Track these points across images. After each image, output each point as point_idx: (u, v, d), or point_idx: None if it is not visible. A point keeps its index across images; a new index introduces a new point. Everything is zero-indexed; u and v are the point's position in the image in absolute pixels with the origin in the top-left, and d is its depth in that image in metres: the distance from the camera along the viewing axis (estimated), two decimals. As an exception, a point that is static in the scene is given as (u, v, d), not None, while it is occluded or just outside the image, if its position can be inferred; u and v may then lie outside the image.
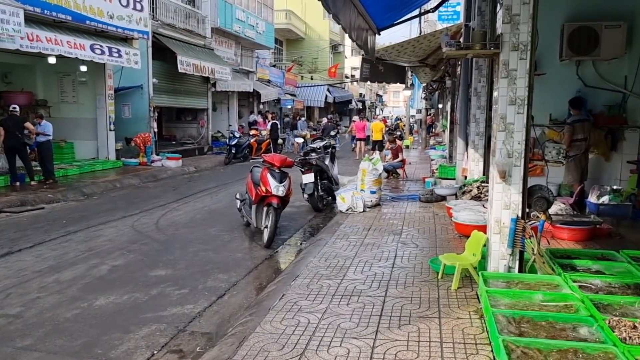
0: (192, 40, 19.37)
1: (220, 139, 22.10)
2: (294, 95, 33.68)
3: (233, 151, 18.10)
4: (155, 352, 3.89)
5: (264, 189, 6.94)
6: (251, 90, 24.70)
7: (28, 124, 11.04)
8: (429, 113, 29.85)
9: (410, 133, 33.65)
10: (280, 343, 3.60)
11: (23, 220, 8.38)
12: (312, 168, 9.29)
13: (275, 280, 5.33)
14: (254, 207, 7.29)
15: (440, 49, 11.45)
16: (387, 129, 20.98)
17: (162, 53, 17.61)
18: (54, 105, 15.30)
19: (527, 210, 4.57)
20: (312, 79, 36.44)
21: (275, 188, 6.88)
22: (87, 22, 12.72)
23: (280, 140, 21.75)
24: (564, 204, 7.19)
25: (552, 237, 6.32)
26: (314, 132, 23.42)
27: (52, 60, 13.01)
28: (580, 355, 2.96)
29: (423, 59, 11.63)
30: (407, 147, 23.17)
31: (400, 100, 75.60)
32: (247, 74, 25.73)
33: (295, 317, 4.08)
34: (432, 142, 23.57)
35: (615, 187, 7.48)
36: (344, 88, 43.79)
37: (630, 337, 3.10)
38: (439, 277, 5.01)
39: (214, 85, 21.49)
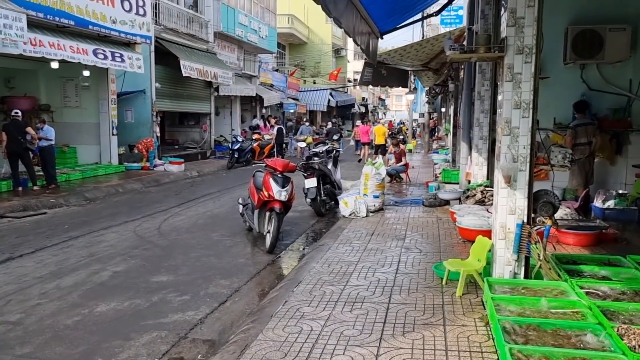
0: (194, 44, 19.39)
1: (222, 143, 22.09)
2: (297, 100, 33.69)
3: (236, 155, 18.08)
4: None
5: (266, 193, 6.90)
6: (254, 95, 24.72)
7: (29, 129, 11.03)
8: (431, 117, 29.78)
9: (413, 137, 33.60)
10: (283, 351, 3.55)
11: (25, 226, 8.36)
12: (314, 172, 9.24)
13: (277, 286, 5.28)
14: (256, 212, 7.24)
15: (443, 52, 11.43)
16: (390, 132, 20.94)
17: (165, 58, 17.62)
18: (57, 110, 15.31)
19: (532, 215, 4.51)
20: (314, 83, 36.46)
21: (278, 193, 6.84)
22: (90, 27, 12.73)
23: (283, 145, 21.72)
24: (569, 208, 7.13)
25: (557, 242, 6.25)
26: (317, 137, 23.37)
27: (54, 65, 13.02)
28: (589, 365, 2.91)
29: (426, 63, 11.59)
30: (410, 151, 23.11)
31: (402, 104, 75.58)
32: (250, 78, 25.74)
33: (298, 324, 4.02)
34: (435, 146, 23.50)
35: (620, 192, 7.42)
36: (346, 92, 43.80)
37: (639, 346, 3.04)
38: (443, 283, 4.95)
39: (216, 89, 21.50)
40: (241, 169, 17.56)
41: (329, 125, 25.75)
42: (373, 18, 7.53)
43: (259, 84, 26.68)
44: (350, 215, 8.54)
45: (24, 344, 4.05)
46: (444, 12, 21.25)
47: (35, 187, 11.27)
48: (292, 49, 38.08)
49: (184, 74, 17.17)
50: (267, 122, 24.17)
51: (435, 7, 10.79)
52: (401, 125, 41.03)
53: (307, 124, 25.95)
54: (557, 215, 5.92)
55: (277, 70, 32.15)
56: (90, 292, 5.22)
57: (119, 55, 13.64)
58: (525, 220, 4.42)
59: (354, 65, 53.09)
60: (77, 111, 15.44)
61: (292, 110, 32.37)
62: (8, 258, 6.40)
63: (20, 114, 11.23)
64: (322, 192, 9.36)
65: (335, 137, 19.60)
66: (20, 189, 11.08)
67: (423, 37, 19.21)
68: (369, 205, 8.81)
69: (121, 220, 8.76)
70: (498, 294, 4.11)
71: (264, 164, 7.65)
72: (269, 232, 6.86)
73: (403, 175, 13.47)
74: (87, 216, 9.20)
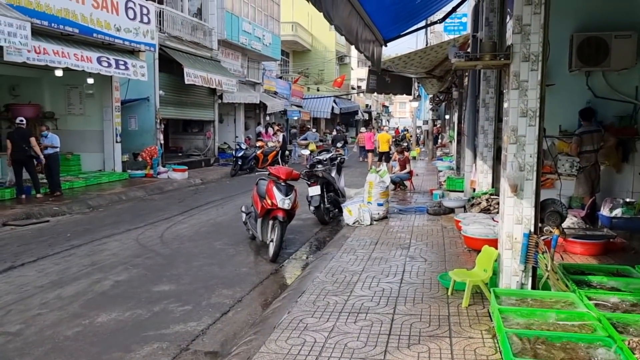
0: (198, 52, 19.43)
1: (226, 150, 22.09)
2: (300, 107, 33.70)
3: (239, 163, 18.06)
4: (156, 372, 3.79)
5: (269, 202, 6.85)
6: (257, 102, 24.73)
7: (33, 140, 11.01)
8: (435, 124, 29.74)
9: (417, 144, 33.55)
10: (286, 364, 3.48)
11: (27, 234, 8.32)
12: (318, 180, 9.19)
13: (280, 296, 5.21)
14: (259, 220, 7.19)
15: (447, 60, 11.39)
16: (394, 140, 20.88)
17: (169, 65, 17.65)
18: (61, 117, 15.33)
19: (539, 225, 4.44)
20: (318, 90, 36.48)
21: (281, 201, 6.79)
22: (94, 34, 12.76)
23: (287, 152, 21.71)
24: (576, 217, 7.04)
25: (564, 251, 6.16)
26: (321, 144, 23.34)
27: (59, 73, 13.06)
28: (600, 380, 2.83)
29: (430, 70, 11.56)
30: (414, 158, 23.05)
31: (406, 111, 75.58)
32: (254, 85, 25.77)
33: (301, 335, 3.95)
34: (438, 153, 23.43)
35: (628, 200, 7.32)
36: (350, 99, 43.82)
37: (652, 360, 2.96)
38: (449, 293, 4.87)
39: (220, 97, 21.52)
40: (245, 176, 17.52)
41: (334, 132, 25.73)
42: (377, 25, 7.50)
43: (263, 92, 26.71)
44: (354, 223, 8.47)
45: (23, 355, 3.99)
46: (447, 20, 21.29)
47: (38, 195, 11.26)
48: (295, 56, 38.16)
49: (187, 82, 17.19)
50: (268, 130, 24.15)
51: (439, 15, 10.76)
52: (405, 133, 40.99)
53: (314, 130, 25.83)
54: (563, 224, 5.85)
55: (280, 77, 32.19)
56: (92, 302, 5.16)
57: (123, 63, 13.66)
58: (532, 229, 4.35)
59: (358, 73, 53.16)
60: (81, 119, 15.47)
61: (295, 118, 32.38)
62: (10, 267, 6.36)
63: (24, 121, 11.25)
64: (325, 200, 9.30)
65: (339, 145, 19.55)
66: (23, 196, 11.08)
67: (427, 45, 19.21)
68: (373, 213, 8.75)
69: (124, 229, 8.72)
70: (505, 305, 4.04)
71: (267, 172, 7.60)
72: (272, 240, 6.80)
73: (407, 182, 13.41)
74: (90, 224, 9.16)
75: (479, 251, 6.35)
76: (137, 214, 10.25)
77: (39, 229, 8.74)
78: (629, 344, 3.14)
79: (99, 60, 12.79)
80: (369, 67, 10.05)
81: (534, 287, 4.42)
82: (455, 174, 13.67)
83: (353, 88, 46.45)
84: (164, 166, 16.36)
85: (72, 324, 4.57)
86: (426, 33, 21.43)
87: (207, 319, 4.75)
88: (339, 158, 10.74)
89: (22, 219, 9.27)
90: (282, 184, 7.04)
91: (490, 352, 3.62)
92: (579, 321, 3.68)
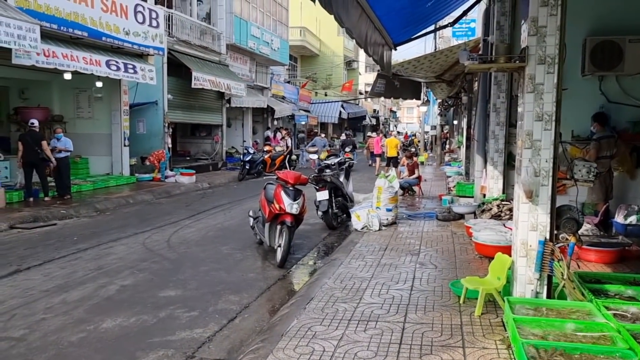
0: (207, 56, 19.44)
1: (234, 154, 22.06)
2: (308, 112, 33.67)
3: (247, 167, 18.01)
4: (162, 380, 3.70)
5: (277, 206, 6.76)
6: (265, 107, 24.71)
7: (44, 144, 11.01)
8: (443, 129, 29.59)
9: (425, 149, 33.39)
10: (294, 373, 3.38)
11: (34, 237, 8.29)
12: (326, 185, 9.10)
13: (288, 302, 5.12)
14: (267, 225, 7.10)
15: (457, 64, 11.29)
16: (403, 145, 20.77)
17: (178, 69, 17.67)
18: (70, 120, 15.35)
19: (555, 232, 4.32)
20: (326, 95, 36.44)
21: (289, 206, 6.70)
22: (103, 38, 12.77)
23: (293, 157, 21.63)
24: (589, 223, 6.90)
25: (577, 259, 6.02)
26: (329, 149, 23.25)
27: (67, 76, 13.08)
28: (622, 395, 2.71)
29: (440, 75, 11.45)
30: (422, 163, 22.90)
31: (414, 117, 75.45)
32: (262, 90, 25.77)
33: (309, 344, 3.85)
34: (447, 158, 23.27)
35: (643, 207, 7.17)
36: (357, 104, 43.76)
37: (676, 375, 2.83)
38: (461, 301, 4.75)
39: (228, 101, 21.51)
40: (252, 180, 17.47)
41: (343, 136, 25.63)
42: (387, 29, 7.42)
43: (271, 96, 26.70)
44: (362, 228, 8.37)
45: (26, 361, 3.92)
46: (456, 25, 21.18)
47: (46, 198, 11.25)
48: (303, 61, 38.16)
49: (194, 86, 17.18)
50: (277, 134, 24.12)
51: (447, 20, 10.69)
52: (413, 138, 40.86)
53: (322, 135, 25.63)
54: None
55: (288, 82, 32.19)
56: (97, 307, 5.09)
57: (131, 66, 13.67)
58: (548, 237, 4.23)
59: (366, 78, 53.17)
60: (90, 122, 15.48)
61: (303, 122, 32.34)
62: (15, 270, 6.31)
63: (37, 124, 11.25)
64: (334, 205, 9.21)
65: (348, 149, 19.44)
66: (31, 199, 11.07)
67: (435, 49, 19.11)
68: (382, 218, 8.64)
69: (131, 232, 8.66)
70: (519, 315, 3.92)
71: (275, 176, 7.52)
72: (279, 245, 6.71)
73: (416, 188, 13.28)
74: (97, 228, 9.12)
75: (490, 258, 6.24)
76: (144, 217, 10.20)
77: (46, 232, 8.71)
78: (651, 356, 3.02)
79: (107, 64, 12.80)
80: (379, 71, 9.96)
81: (549, 296, 4.30)
82: (465, 179, 13.53)
83: (361, 93, 46.40)
84: (171, 170, 16.34)
85: (76, 330, 4.50)
86: (435, 38, 21.35)
87: (214, 326, 4.67)
88: (347, 162, 10.65)
89: (29, 222, 9.24)
90: (291, 188, 6.96)
91: (505, 364, 3.51)
92: (598, 332, 3.56)
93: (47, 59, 11.03)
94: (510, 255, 5.02)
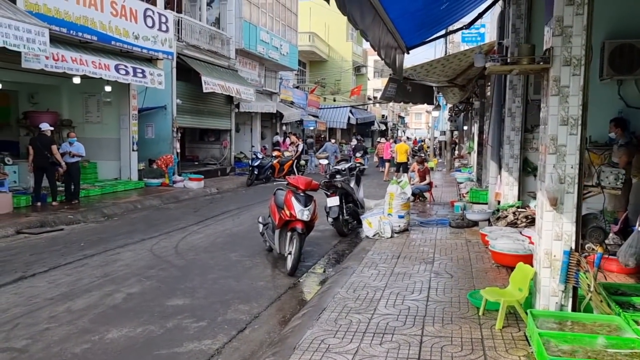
0: (216, 61, 19.37)
1: (242, 159, 21.94)
2: (317, 117, 33.55)
3: (255, 172, 17.87)
4: (168, 395, 3.53)
5: (288, 213, 6.59)
6: (274, 112, 24.61)
7: (54, 148, 10.95)
8: (453, 135, 29.36)
9: (435, 155, 33.14)
10: (307, 390, 3.20)
11: (41, 242, 8.17)
12: (337, 191, 8.93)
13: (300, 313, 4.94)
14: (277, 231, 6.93)
15: (470, 68, 11.11)
16: (413, 150, 20.59)
17: (187, 74, 17.60)
18: (79, 125, 15.28)
19: (580, 241, 4.12)
20: (334, 100, 36.32)
21: (300, 212, 6.53)
22: (113, 42, 12.71)
23: (302, 162, 21.49)
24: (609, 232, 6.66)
25: (598, 269, 5.79)
26: (338, 155, 23.10)
27: (76, 80, 13.02)
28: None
29: (452, 79, 11.27)
30: (432, 169, 22.67)
31: (422, 122, 75.15)
32: (271, 95, 25.68)
33: (323, 358, 3.67)
34: (457, 164, 23.03)
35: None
36: (366, 110, 43.59)
37: None
38: (480, 313, 4.55)
39: (237, 106, 21.43)
40: (261, 186, 17.33)
41: (354, 141, 25.48)
42: (400, 32, 7.27)
43: (280, 101, 26.60)
44: (374, 235, 8.17)
45: (28, 373, 3.77)
46: (465, 31, 20.97)
47: (54, 203, 11.17)
48: (312, 66, 38.09)
49: (205, 90, 17.10)
50: (286, 139, 24.00)
51: (457, 25, 10.51)
52: (422, 143, 40.62)
53: (333, 141, 25.38)
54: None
55: (297, 87, 32.11)
56: (102, 316, 4.93)
57: (140, 71, 13.59)
58: (574, 246, 4.03)
59: (374, 83, 53.05)
60: (99, 127, 15.42)
61: (312, 127, 32.22)
62: (20, 277, 6.18)
63: (47, 127, 11.16)
64: (344, 211, 9.03)
65: (358, 155, 19.28)
66: (39, 204, 10.99)
67: (446, 54, 18.93)
68: (394, 225, 8.44)
69: (138, 238, 8.53)
70: (544, 329, 3.72)
71: (285, 182, 7.35)
72: (290, 253, 6.54)
73: (427, 194, 13.07)
74: (104, 233, 8.99)
75: (508, 267, 6.06)
76: (152, 223, 10.07)
77: (52, 237, 8.59)
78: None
79: (116, 68, 12.73)
80: (390, 74, 9.80)
81: (574, 309, 4.10)
82: (476, 185, 13.30)
83: (369, 98, 46.25)
84: (180, 175, 16.24)
85: (80, 340, 4.34)
86: (445, 42, 21.17)
87: (223, 337, 4.49)
88: (357, 168, 10.47)
89: (36, 227, 9.14)
90: (301, 194, 6.79)
91: (532, 382, 3.30)
92: (629, 349, 3.36)
93: (56, 63, 10.97)
94: (528, 264, 4.83)
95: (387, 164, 20.16)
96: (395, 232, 8.39)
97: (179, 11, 17.47)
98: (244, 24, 21.18)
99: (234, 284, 6.07)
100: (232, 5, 20.68)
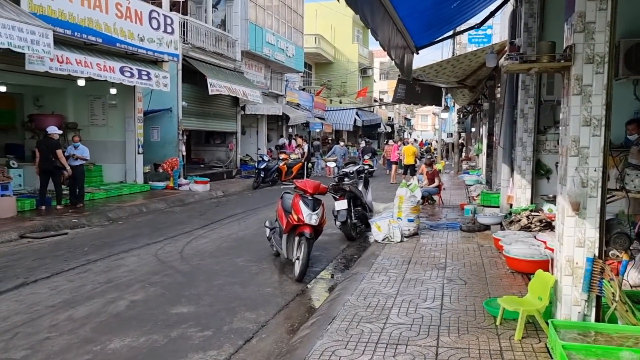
0: (222, 63, 19.25)
1: (249, 162, 21.80)
2: (323, 119, 33.38)
3: (262, 175, 17.72)
4: (172, 410, 3.36)
5: (295, 217, 6.42)
6: (280, 114, 24.46)
7: (59, 152, 10.83)
8: (460, 137, 29.12)
9: (442, 157, 32.89)
10: (319, 407, 3.02)
11: (44, 247, 8.03)
12: (345, 194, 8.76)
13: (309, 321, 4.76)
14: (284, 236, 6.75)
15: (480, 68, 10.91)
16: (421, 153, 20.40)
17: (192, 76, 17.48)
18: (84, 128, 15.18)
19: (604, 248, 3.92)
20: (340, 102, 36.12)
21: (308, 216, 6.35)
22: (118, 44, 12.60)
23: (309, 164, 21.32)
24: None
25: (616, 275, 5.58)
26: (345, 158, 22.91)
27: (81, 82, 12.92)
28: None
29: (462, 80, 11.06)
30: (440, 171, 22.44)
31: (428, 124, 74.80)
32: (277, 97, 25.55)
33: (334, 371, 3.50)
34: (464, 166, 22.78)
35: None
36: (372, 112, 43.38)
37: None
38: (497, 322, 4.35)
39: (243, 108, 21.29)
40: (267, 189, 17.17)
41: (362, 143, 25.28)
42: (410, 31, 7.11)
43: (286, 103, 26.45)
44: (383, 240, 7.99)
45: (26, 386, 3.61)
46: (471, 32, 20.73)
47: (59, 207, 11.05)
48: (318, 68, 37.94)
49: (211, 92, 16.96)
50: (292, 142, 23.82)
51: (464, 26, 10.33)
52: (429, 145, 40.37)
53: (342, 143, 25.05)
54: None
55: (303, 89, 31.95)
56: (104, 325, 4.77)
57: (145, 73, 13.47)
58: (597, 253, 3.84)
59: (380, 85, 52.87)
60: (104, 129, 15.32)
61: (318, 130, 32.03)
62: (22, 283, 6.03)
63: (55, 131, 11.04)
64: (352, 214, 8.85)
65: (367, 157, 19.08)
66: (43, 207, 10.87)
67: (453, 55, 18.72)
68: (404, 229, 8.25)
69: (143, 243, 8.38)
70: (566, 340, 3.53)
71: (292, 185, 7.17)
72: (298, 258, 6.36)
73: (436, 197, 12.87)
74: (109, 237, 8.85)
75: (523, 274, 5.86)
76: (157, 227, 9.92)
77: (56, 242, 8.46)
78: None
79: (121, 71, 12.61)
80: (399, 76, 9.62)
81: (598, 319, 3.90)
82: (486, 188, 13.09)
83: (375, 100, 46.03)
84: (185, 178, 16.10)
85: (81, 351, 4.18)
86: (453, 43, 20.97)
87: (229, 347, 4.32)
88: (366, 170, 10.29)
89: (40, 231, 9.01)
90: (309, 198, 6.61)
91: (557, 399, 3.11)
92: (660, 363, 3.16)
93: (60, 65, 10.86)
94: (545, 270, 4.64)
95: (394, 166, 19.97)
96: (405, 236, 8.21)
97: (185, 13, 17.36)
98: (249, 25, 21.06)
99: (240, 291, 5.90)
100: (238, 7, 20.56)
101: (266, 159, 18.51)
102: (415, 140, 39.93)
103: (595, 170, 3.80)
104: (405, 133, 60.99)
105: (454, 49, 21.91)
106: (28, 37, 9.08)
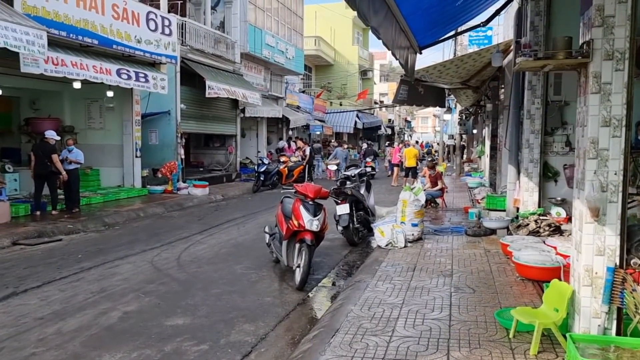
0: (221, 65, 19.04)
1: (248, 165, 21.56)
2: (323, 121, 33.17)
3: (262, 178, 17.47)
4: None
5: (296, 223, 6.18)
6: (280, 116, 24.24)
7: (54, 157, 10.60)
8: (462, 138, 28.87)
9: (443, 159, 32.66)
10: None
11: (37, 254, 7.79)
12: (347, 198, 8.52)
13: (310, 334, 4.51)
14: (284, 242, 6.51)
15: (485, 68, 10.68)
16: (423, 155, 20.18)
17: (191, 78, 17.27)
18: (81, 131, 14.97)
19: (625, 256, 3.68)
20: (341, 104, 35.94)
21: (309, 222, 6.11)
22: (114, 46, 12.37)
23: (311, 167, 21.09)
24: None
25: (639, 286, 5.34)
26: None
27: (77, 85, 12.69)
28: None
29: (466, 80, 10.83)
30: (442, 173, 22.19)
31: (428, 126, 74.62)
32: (276, 99, 25.34)
33: (338, 391, 3.25)
34: (466, 168, 22.54)
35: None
36: (372, 114, 43.18)
37: None
38: (510, 335, 4.11)
39: (242, 111, 21.07)
40: (267, 192, 16.93)
41: (364, 146, 25.04)
42: (413, 30, 6.90)
43: (286, 106, 26.23)
44: (386, 245, 7.74)
45: (8, 408, 3.37)
46: (472, 33, 20.52)
47: (54, 212, 10.82)
48: (318, 70, 37.76)
49: (208, 95, 16.74)
50: (291, 144, 23.58)
51: (466, 26, 10.11)
52: (430, 147, 40.15)
53: (344, 146, 24.73)
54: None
55: (303, 91, 31.75)
56: (95, 338, 4.52)
57: (143, 75, 13.24)
58: (618, 262, 3.60)
59: (381, 87, 52.71)
60: (101, 133, 15.08)
61: (318, 132, 31.82)
62: (11, 293, 5.79)
63: (52, 136, 10.80)
64: (355, 219, 8.61)
65: (369, 159, 18.85)
66: (38, 213, 10.63)
67: (455, 56, 18.51)
68: (407, 234, 8.01)
69: (139, 249, 8.14)
70: (586, 356, 3.30)
71: (293, 189, 6.93)
72: (299, 266, 6.12)
73: (439, 200, 12.62)
74: (104, 244, 8.61)
75: (534, 281, 5.62)
76: (154, 232, 9.68)
77: (50, 248, 8.22)
78: None
79: (118, 73, 12.38)
80: (402, 76, 9.40)
81: (619, 333, 3.66)
82: (490, 191, 12.85)
83: (376, 102, 45.85)
84: (184, 181, 15.86)
85: (69, 368, 3.95)
86: (455, 44, 20.76)
87: (226, 363, 4.08)
88: (368, 173, 10.05)
89: (33, 238, 8.78)
90: (310, 203, 6.37)
91: (581, 423, 2.86)
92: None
93: (55, 67, 10.63)
94: (557, 277, 4.41)
95: (395, 169, 19.74)
96: (409, 241, 7.97)
97: (183, 15, 17.15)
98: (249, 27, 20.85)
99: (239, 300, 5.65)
100: (237, 9, 20.35)
101: (266, 162, 18.26)
102: (417, 142, 39.69)
103: (615, 174, 3.56)
104: (406, 135, 60.82)
105: (456, 50, 21.69)
106: (23, 38, 8.84)
